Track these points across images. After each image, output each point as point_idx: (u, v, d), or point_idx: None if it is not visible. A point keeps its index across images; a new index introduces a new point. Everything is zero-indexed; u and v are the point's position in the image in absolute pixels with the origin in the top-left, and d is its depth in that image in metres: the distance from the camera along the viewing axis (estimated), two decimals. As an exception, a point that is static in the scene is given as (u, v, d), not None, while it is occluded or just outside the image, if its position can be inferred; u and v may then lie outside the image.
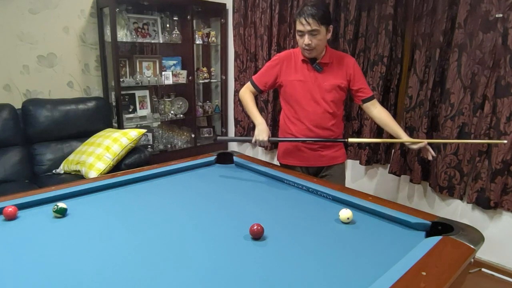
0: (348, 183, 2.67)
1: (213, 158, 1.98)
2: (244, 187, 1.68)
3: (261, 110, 3.15)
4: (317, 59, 1.88)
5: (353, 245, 1.17)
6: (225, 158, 2.00)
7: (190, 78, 3.56)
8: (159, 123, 3.60)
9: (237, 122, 3.69)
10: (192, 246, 1.14)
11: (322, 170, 2.02)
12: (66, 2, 3.00)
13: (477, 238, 1.15)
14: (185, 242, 1.17)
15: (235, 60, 3.59)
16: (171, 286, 0.94)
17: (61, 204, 1.32)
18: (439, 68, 2.32)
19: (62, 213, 1.31)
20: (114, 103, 3.26)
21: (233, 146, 3.90)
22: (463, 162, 2.27)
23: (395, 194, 2.73)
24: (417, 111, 2.45)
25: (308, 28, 1.74)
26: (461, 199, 2.37)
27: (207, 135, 3.96)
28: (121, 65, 3.29)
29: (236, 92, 3.63)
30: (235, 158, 1.99)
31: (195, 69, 3.61)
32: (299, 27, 1.77)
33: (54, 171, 2.75)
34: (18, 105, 2.78)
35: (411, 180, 2.55)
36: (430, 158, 1.82)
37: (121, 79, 3.18)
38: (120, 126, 3.15)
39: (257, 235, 1.18)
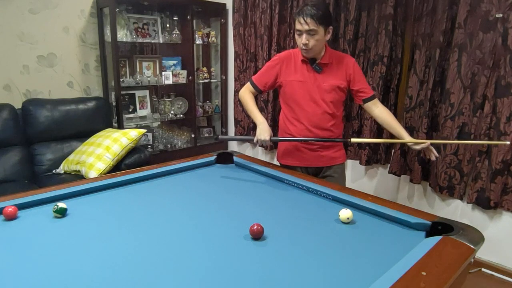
0: (348, 183, 2.67)
1: (213, 158, 1.98)
2: (244, 187, 1.68)
3: (261, 110, 3.15)
4: (316, 59, 1.88)
5: (353, 245, 1.17)
6: (225, 158, 2.00)
7: (190, 78, 3.56)
8: (159, 123, 3.60)
9: (237, 122, 3.69)
10: (192, 246, 1.14)
11: (321, 170, 2.02)
12: (66, 2, 3.00)
13: (477, 238, 1.15)
14: (185, 242, 1.17)
15: (235, 60, 3.59)
16: (171, 286, 0.94)
17: (61, 204, 1.32)
18: (439, 68, 2.32)
19: (62, 213, 1.31)
20: (114, 103, 3.26)
21: (233, 146, 3.90)
22: (463, 162, 2.27)
23: (395, 194, 2.74)
24: (417, 111, 2.45)
25: (306, 27, 1.74)
26: (461, 199, 2.37)
27: (207, 135, 3.96)
28: (121, 65, 3.29)
29: (236, 92, 3.63)
30: (235, 158, 1.99)
31: (195, 69, 3.61)
32: (297, 26, 1.78)
33: (54, 171, 2.75)
34: (18, 105, 2.78)
35: (411, 180, 2.55)
36: (433, 158, 1.81)
37: (121, 79, 3.18)
38: (120, 126, 3.15)
39: (257, 235, 1.18)
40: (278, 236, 1.21)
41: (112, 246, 1.13)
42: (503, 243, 2.24)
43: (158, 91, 3.68)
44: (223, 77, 3.84)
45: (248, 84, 2.05)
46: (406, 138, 1.82)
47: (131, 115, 3.39)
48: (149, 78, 3.37)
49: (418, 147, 1.78)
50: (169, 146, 3.61)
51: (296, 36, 1.82)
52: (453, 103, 2.24)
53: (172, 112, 3.61)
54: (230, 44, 3.71)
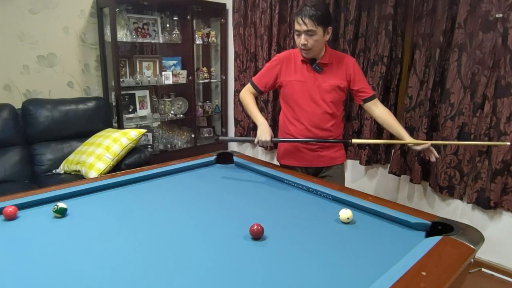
0: (348, 183, 2.67)
1: (213, 158, 1.98)
2: (244, 187, 1.68)
3: (261, 110, 3.15)
4: (316, 59, 1.88)
5: (353, 245, 1.17)
6: (225, 158, 2.00)
7: (190, 78, 3.56)
8: (159, 123, 3.60)
9: (237, 122, 3.69)
10: (192, 246, 1.14)
11: (321, 170, 2.02)
12: (66, 2, 3.00)
13: (477, 238, 1.15)
14: (185, 242, 1.17)
15: (235, 60, 3.59)
16: (171, 286, 0.94)
17: (61, 204, 1.32)
18: (439, 68, 2.32)
19: (62, 213, 1.31)
20: (114, 103, 3.26)
21: (233, 146, 3.90)
22: (463, 162, 2.27)
23: (395, 194, 2.74)
24: (417, 111, 2.45)
25: (305, 28, 1.74)
26: (461, 199, 2.37)
27: (207, 135, 3.96)
28: (121, 65, 3.29)
29: (236, 92, 3.63)
30: (235, 158, 1.99)
31: (195, 69, 3.61)
32: (296, 26, 1.78)
33: (54, 171, 2.75)
34: (18, 105, 2.78)
35: (411, 180, 2.55)
36: (433, 159, 1.81)
37: (121, 79, 3.17)
38: (120, 126, 3.15)
39: (257, 235, 1.18)
40: (278, 236, 1.21)
41: (112, 246, 1.13)
42: (503, 243, 2.24)
43: (158, 91, 3.68)
44: (223, 77, 3.84)
45: (248, 85, 2.05)
46: (407, 138, 1.82)
47: (131, 115, 3.39)
48: (149, 78, 3.37)
49: (418, 147, 1.79)
50: (169, 146, 3.61)
51: (296, 37, 1.83)
52: (453, 103, 2.24)
53: (172, 112, 3.61)
54: (230, 44, 3.71)
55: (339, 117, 1.98)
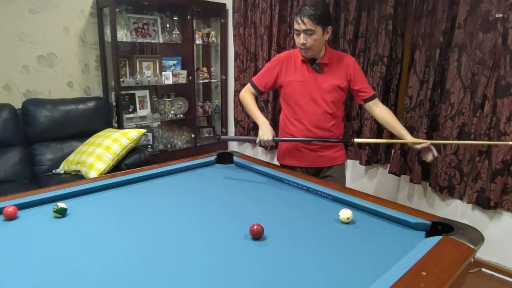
0: (348, 183, 2.66)
1: (213, 158, 1.98)
2: (244, 187, 1.68)
3: (261, 110, 3.14)
4: (316, 59, 1.88)
5: (353, 245, 1.17)
6: (225, 158, 2.00)
7: (190, 78, 3.56)
8: (159, 123, 3.60)
9: (237, 122, 3.69)
10: (192, 246, 1.14)
11: (321, 171, 2.02)
12: (66, 2, 3.00)
13: (477, 238, 1.15)
14: (185, 242, 1.17)
15: (235, 60, 3.59)
16: (171, 286, 0.94)
17: (61, 204, 1.32)
18: (439, 68, 2.32)
19: (62, 213, 1.31)
20: (114, 103, 3.26)
21: (233, 146, 3.90)
22: (463, 162, 2.27)
23: (395, 194, 2.74)
24: (417, 111, 2.45)
25: (303, 27, 1.74)
26: (461, 199, 2.37)
27: (207, 135, 3.96)
28: (121, 65, 3.29)
29: (236, 92, 3.63)
30: (235, 158, 1.99)
31: (195, 69, 3.61)
32: (295, 26, 1.79)
33: (54, 171, 2.75)
34: (18, 105, 2.78)
35: (411, 180, 2.55)
36: (429, 159, 1.78)
37: (121, 79, 3.17)
38: (120, 126, 3.15)
39: (257, 235, 1.18)
40: (278, 236, 1.21)
41: (112, 246, 1.13)
42: (503, 243, 2.24)
43: (158, 91, 3.68)
44: (223, 77, 3.84)
45: (248, 85, 2.05)
46: (407, 137, 1.81)
47: (131, 115, 3.39)
48: (149, 78, 3.37)
49: (418, 146, 1.78)
50: (169, 146, 3.61)
51: (295, 36, 1.83)
52: (453, 103, 2.24)
53: (172, 112, 3.61)
54: (230, 44, 3.71)
55: (339, 117, 1.98)
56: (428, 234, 1.23)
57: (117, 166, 2.68)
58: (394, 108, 2.64)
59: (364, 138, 2.70)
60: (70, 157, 2.73)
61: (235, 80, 3.63)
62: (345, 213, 1.31)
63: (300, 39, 1.78)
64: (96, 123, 2.98)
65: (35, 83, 2.97)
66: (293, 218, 1.36)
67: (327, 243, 1.18)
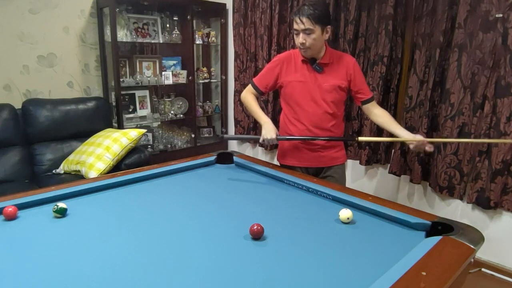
0: (348, 183, 2.66)
1: (213, 158, 1.98)
2: (244, 187, 1.68)
3: (261, 110, 3.15)
4: (316, 59, 1.88)
5: (353, 245, 1.17)
6: (225, 158, 2.00)
7: (190, 78, 3.56)
8: (159, 123, 3.60)
9: (237, 122, 3.69)
10: (192, 246, 1.14)
11: (322, 171, 2.02)
12: (66, 2, 3.00)
13: (477, 238, 1.15)
14: (185, 242, 1.17)
15: (235, 60, 3.59)
16: (171, 286, 0.94)
17: (61, 204, 1.32)
18: (439, 68, 2.32)
19: (62, 213, 1.31)
20: (114, 103, 3.26)
21: (233, 146, 3.90)
22: (463, 162, 2.27)
23: (395, 194, 2.73)
24: (417, 111, 2.45)
25: (302, 26, 1.75)
26: (461, 199, 2.37)
27: (207, 135, 3.96)
28: (121, 65, 3.29)
29: (236, 92, 3.63)
30: (235, 158, 1.99)
31: (195, 69, 3.61)
32: (294, 25, 1.79)
33: (54, 171, 2.75)
34: (18, 105, 2.78)
35: (411, 180, 2.55)
36: (431, 150, 1.73)
37: (121, 79, 3.17)
38: (120, 126, 3.15)
39: (257, 235, 1.18)
40: (278, 236, 1.21)
41: (112, 246, 1.13)
42: (503, 243, 2.24)
43: (158, 91, 3.68)
44: (223, 77, 3.84)
45: (249, 86, 2.05)
46: (405, 136, 1.79)
47: (131, 115, 3.39)
48: (149, 78, 3.37)
49: (411, 145, 1.75)
50: (169, 146, 3.61)
51: (294, 36, 1.84)
52: (453, 103, 2.24)
53: (172, 112, 3.61)
54: (230, 44, 3.71)
55: (339, 117, 1.98)
56: (428, 234, 1.23)
57: (117, 166, 2.67)
58: (394, 108, 2.64)
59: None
60: (70, 157, 2.73)
61: (235, 80, 3.63)
62: (345, 213, 1.31)
63: (299, 39, 1.79)
64: (96, 123, 2.98)
65: (35, 83, 2.97)
66: (293, 218, 1.36)
67: (327, 243, 1.18)
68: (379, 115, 1.91)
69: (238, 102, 3.63)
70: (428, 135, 2.40)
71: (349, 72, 1.88)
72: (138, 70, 3.38)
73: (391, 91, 2.62)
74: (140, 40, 3.31)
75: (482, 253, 2.31)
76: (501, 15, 2.01)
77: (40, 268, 1.00)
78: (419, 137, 1.75)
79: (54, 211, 1.30)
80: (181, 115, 3.66)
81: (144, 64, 3.43)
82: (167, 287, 0.94)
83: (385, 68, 2.55)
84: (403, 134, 1.80)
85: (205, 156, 2.01)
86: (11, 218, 1.27)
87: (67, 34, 3.06)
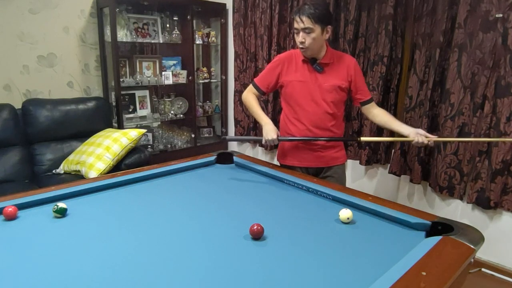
0: (348, 183, 2.66)
1: (213, 158, 1.98)
2: (244, 187, 1.68)
3: (261, 110, 3.14)
4: (317, 59, 1.88)
5: (353, 245, 1.17)
6: (225, 158, 2.00)
7: (190, 78, 3.56)
8: (159, 123, 3.60)
9: (237, 122, 3.69)
10: (192, 246, 1.14)
11: (322, 171, 2.02)
12: (66, 2, 3.00)
13: (477, 238, 1.15)
14: (185, 242, 1.17)
15: (235, 60, 3.59)
16: (171, 286, 0.94)
17: (61, 204, 1.32)
18: (439, 68, 2.32)
19: (62, 213, 1.31)
20: (114, 103, 3.26)
21: (233, 146, 3.90)
22: (463, 162, 2.27)
23: (395, 194, 2.73)
24: (417, 111, 2.45)
25: (302, 25, 1.75)
26: (461, 199, 2.37)
27: (207, 135, 3.96)
28: (121, 65, 3.29)
29: (236, 92, 3.63)
30: (235, 158, 1.99)
31: (195, 69, 3.61)
32: (295, 24, 1.80)
33: (54, 171, 2.75)
34: (18, 105, 2.78)
35: (411, 180, 2.55)
36: (431, 144, 1.76)
37: (121, 79, 3.17)
38: (120, 126, 3.15)
39: (257, 235, 1.18)
40: (278, 236, 1.21)
41: (112, 246, 1.13)
42: (503, 243, 2.24)
43: (158, 91, 3.68)
44: (223, 77, 3.84)
45: (250, 86, 2.05)
46: (407, 132, 1.78)
47: (131, 115, 3.39)
48: (149, 78, 3.37)
49: (413, 141, 1.76)
50: (169, 146, 3.61)
51: (295, 35, 1.84)
52: (453, 103, 2.24)
53: (172, 112, 3.61)
54: (230, 44, 3.71)
55: (339, 117, 1.98)
56: (428, 234, 1.23)
57: (117, 166, 2.67)
58: (394, 108, 2.64)
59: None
60: (70, 157, 2.73)
61: (235, 80, 3.63)
62: (345, 213, 1.31)
63: (299, 38, 1.79)
64: (96, 123, 2.98)
65: (35, 83, 2.97)
66: (293, 218, 1.36)
67: (327, 243, 1.18)
68: (378, 115, 1.92)
69: (238, 102, 3.63)
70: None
71: (350, 72, 1.89)
72: (138, 70, 3.38)
73: (391, 91, 2.62)
74: (140, 40, 3.31)
75: (482, 253, 2.31)
76: (501, 15, 2.01)
77: (40, 268, 1.00)
78: (421, 132, 1.75)
79: (54, 211, 1.30)
80: (181, 115, 3.66)
81: (144, 64, 3.43)
82: (167, 287, 0.94)
83: (385, 68, 2.55)
84: (405, 130, 1.80)
85: (205, 156, 2.01)
86: (11, 218, 1.27)
87: (67, 34, 3.06)
